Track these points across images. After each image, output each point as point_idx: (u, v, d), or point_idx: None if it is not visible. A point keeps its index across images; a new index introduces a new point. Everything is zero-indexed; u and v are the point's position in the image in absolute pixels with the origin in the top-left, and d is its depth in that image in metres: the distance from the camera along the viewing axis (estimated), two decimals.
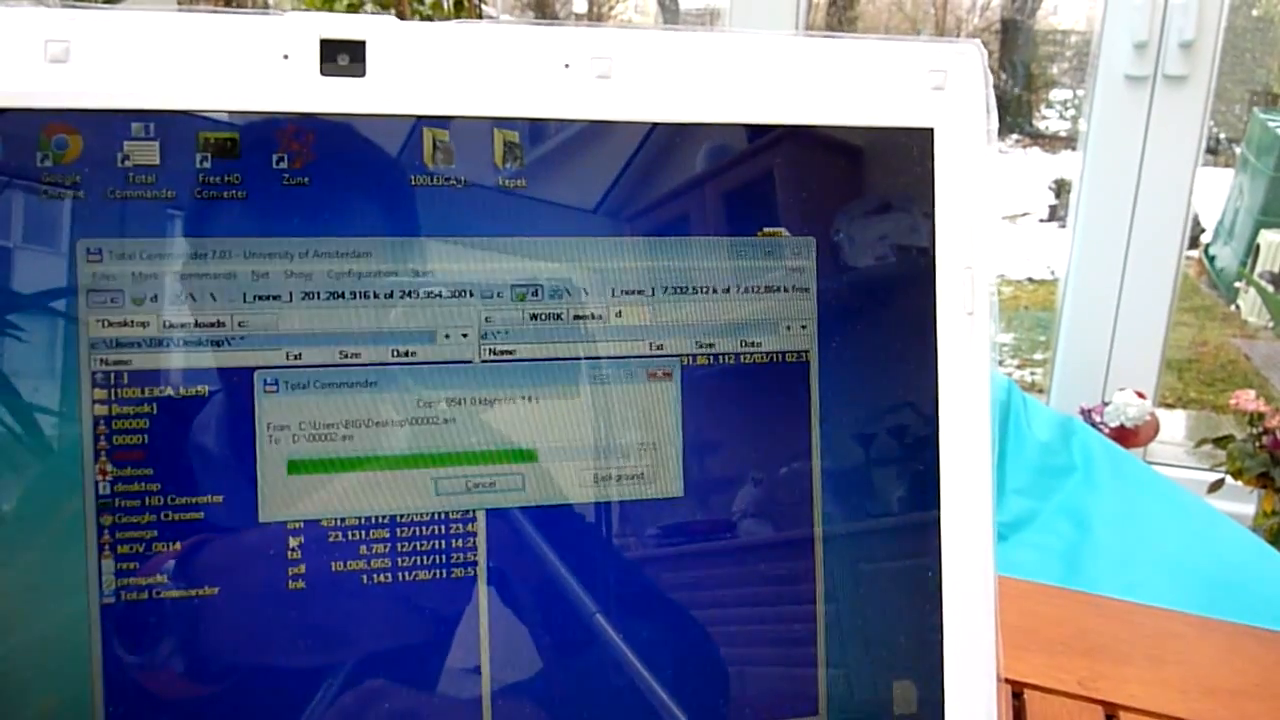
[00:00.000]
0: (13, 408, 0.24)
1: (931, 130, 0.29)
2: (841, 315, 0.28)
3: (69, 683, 0.25)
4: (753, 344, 0.28)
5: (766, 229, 0.28)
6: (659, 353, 0.28)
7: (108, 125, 0.25)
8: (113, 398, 0.25)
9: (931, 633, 0.29)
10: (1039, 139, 2.52)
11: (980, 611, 0.29)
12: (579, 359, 0.27)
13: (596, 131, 0.27)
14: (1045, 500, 1.35)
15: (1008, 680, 0.44)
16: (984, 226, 0.29)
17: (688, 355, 0.28)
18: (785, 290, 0.28)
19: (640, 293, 0.27)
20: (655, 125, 0.27)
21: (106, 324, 0.25)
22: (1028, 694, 0.43)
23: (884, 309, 0.29)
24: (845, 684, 0.28)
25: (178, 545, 0.25)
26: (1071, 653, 0.46)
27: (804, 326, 0.28)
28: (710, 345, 0.28)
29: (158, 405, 0.25)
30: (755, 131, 0.28)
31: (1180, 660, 0.46)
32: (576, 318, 0.27)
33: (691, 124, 0.27)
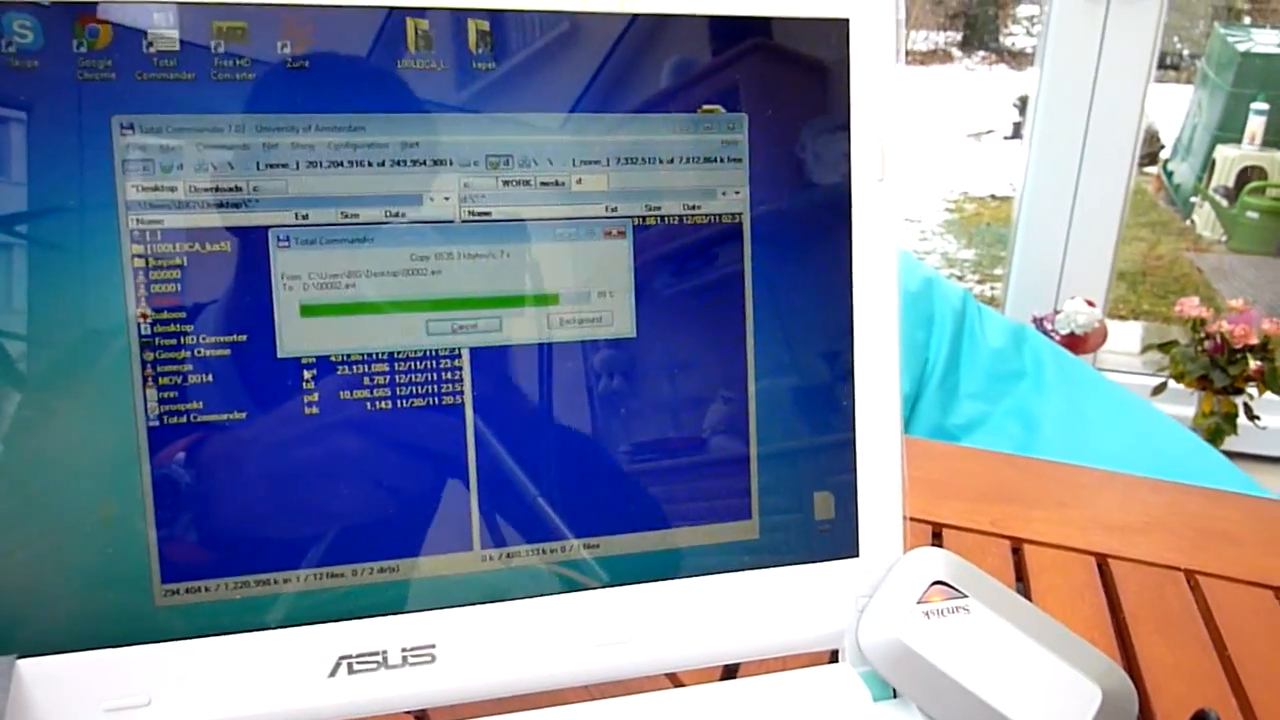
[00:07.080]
0: (65, 263, 0.29)
1: (847, 20, 0.33)
2: (769, 182, 0.33)
3: (125, 493, 0.30)
4: (694, 207, 0.33)
5: (705, 106, 0.33)
6: (614, 214, 0.32)
7: (132, 16, 0.29)
8: (149, 252, 0.29)
9: (846, 449, 0.34)
10: (1005, 55, 2.53)
11: (887, 428, 0.34)
12: (545, 220, 0.32)
13: (557, 21, 0.31)
14: (996, 404, 1.41)
15: (927, 521, 0.50)
16: (893, 104, 0.33)
17: (639, 216, 0.33)
18: (721, 160, 0.33)
19: (597, 163, 0.32)
20: (607, 15, 0.31)
21: (140, 189, 0.29)
22: (945, 533, 0.50)
23: (806, 176, 0.34)
24: (774, 493, 0.34)
25: (210, 377, 0.30)
26: (986, 500, 0.52)
27: (737, 192, 0.33)
28: (658, 208, 0.33)
29: (188, 259, 0.30)
30: (693, 21, 0.32)
31: (1082, 504, 0.53)
32: (542, 184, 0.32)
33: (640, 13, 0.32)
